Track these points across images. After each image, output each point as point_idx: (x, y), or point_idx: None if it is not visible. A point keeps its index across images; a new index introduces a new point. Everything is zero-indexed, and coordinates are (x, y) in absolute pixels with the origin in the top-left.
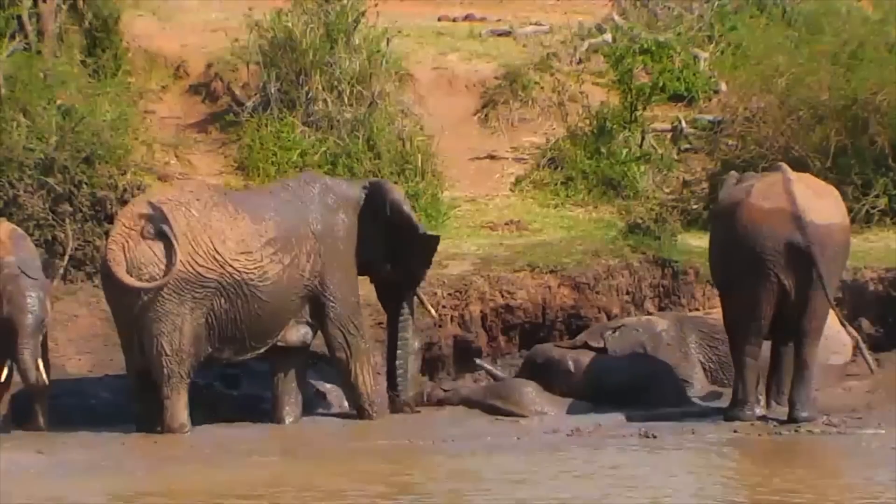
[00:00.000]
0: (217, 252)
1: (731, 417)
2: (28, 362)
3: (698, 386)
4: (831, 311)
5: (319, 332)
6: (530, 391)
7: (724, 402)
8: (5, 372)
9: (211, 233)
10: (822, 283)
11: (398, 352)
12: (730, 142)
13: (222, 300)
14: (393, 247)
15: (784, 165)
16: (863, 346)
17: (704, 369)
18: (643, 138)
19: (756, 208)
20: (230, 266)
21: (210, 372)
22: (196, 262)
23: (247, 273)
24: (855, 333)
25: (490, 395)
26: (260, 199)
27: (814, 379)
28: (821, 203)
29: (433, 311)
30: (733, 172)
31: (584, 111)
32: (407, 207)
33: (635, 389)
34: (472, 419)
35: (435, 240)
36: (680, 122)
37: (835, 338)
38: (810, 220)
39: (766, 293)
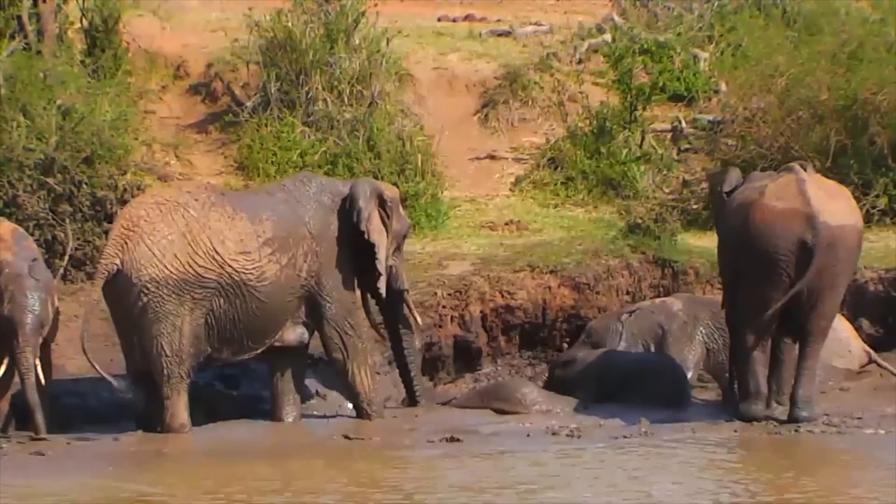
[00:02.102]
0: (216, 252)
1: (744, 412)
2: (28, 362)
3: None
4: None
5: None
6: (530, 391)
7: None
8: (3, 367)
9: (210, 233)
10: (834, 283)
11: (407, 360)
12: (730, 142)
13: (221, 300)
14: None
15: (796, 166)
16: (878, 358)
17: (707, 349)
18: (643, 138)
19: (769, 208)
20: (229, 266)
21: (210, 372)
22: (195, 263)
23: (245, 273)
24: (871, 350)
25: (491, 398)
26: (257, 200)
27: (816, 379)
28: (834, 204)
29: (418, 318)
30: (734, 168)
31: (584, 111)
32: (363, 202)
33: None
34: (473, 419)
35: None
36: (680, 122)
37: (842, 341)
38: (824, 221)
39: (777, 292)
